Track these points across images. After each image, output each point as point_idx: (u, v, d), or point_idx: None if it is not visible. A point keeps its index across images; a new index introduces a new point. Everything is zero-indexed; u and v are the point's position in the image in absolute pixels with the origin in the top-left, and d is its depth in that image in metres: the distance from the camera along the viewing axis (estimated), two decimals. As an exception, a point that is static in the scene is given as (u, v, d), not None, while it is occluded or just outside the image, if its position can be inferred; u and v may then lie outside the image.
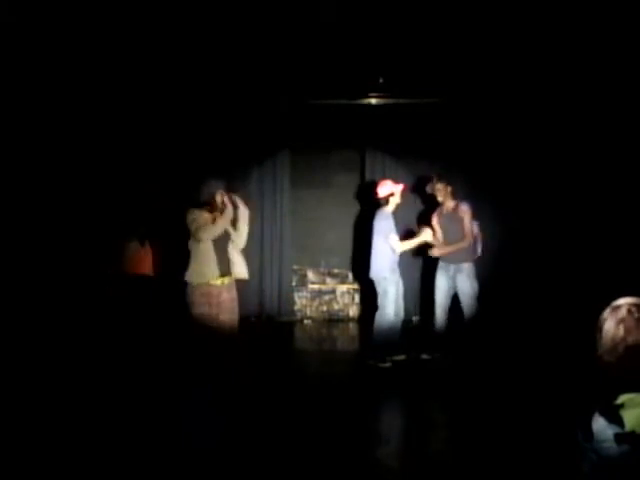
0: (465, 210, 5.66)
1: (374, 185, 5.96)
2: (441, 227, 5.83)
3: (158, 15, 4.89)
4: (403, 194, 5.81)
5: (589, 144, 6.68)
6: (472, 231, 5.68)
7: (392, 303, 5.63)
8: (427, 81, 6.60)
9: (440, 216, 5.85)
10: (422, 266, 7.34)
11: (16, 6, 4.49)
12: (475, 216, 5.77)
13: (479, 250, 5.83)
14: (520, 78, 6.37)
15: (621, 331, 1.71)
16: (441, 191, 5.74)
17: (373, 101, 7.25)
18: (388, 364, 5.65)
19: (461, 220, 5.67)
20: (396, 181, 5.95)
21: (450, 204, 5.75)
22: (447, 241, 5.77)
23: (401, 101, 7.15)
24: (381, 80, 6.73)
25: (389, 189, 5.69)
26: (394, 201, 5.68)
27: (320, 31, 5.28)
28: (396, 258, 5.67)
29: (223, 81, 6.54)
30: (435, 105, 7.05)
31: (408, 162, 7.73)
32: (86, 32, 5.09)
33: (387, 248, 5.62)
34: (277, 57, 5.92)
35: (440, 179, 5.75)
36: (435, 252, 5.77)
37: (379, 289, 5.68)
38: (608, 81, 6.01)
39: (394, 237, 5.61)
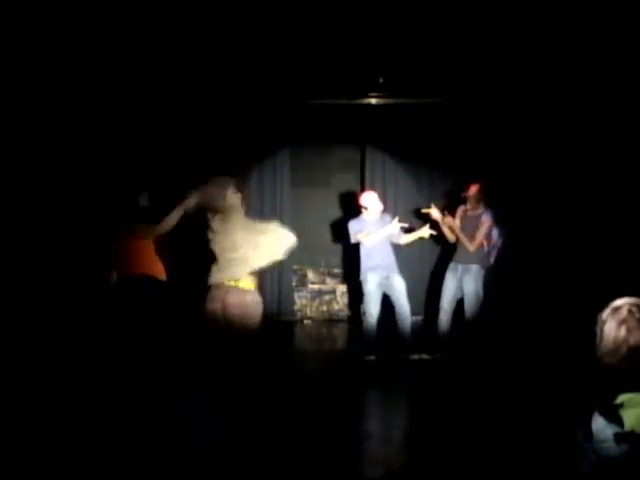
0: (484, 220, 5.72)
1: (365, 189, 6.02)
2: (462, 224, 5.87)
3: (158, 14, 4.90)
4: (378, 212, 5.85)
5: (589, 145, 6.68)
6: (485, 240, 5.75)
7: (370, 303, 5.68)
8: (427, 81, 6.60)
9: (465, 213, 5.89)
10: (433, 266, 7.37)
11: (16, 6, 4.49)
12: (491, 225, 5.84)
13: (492, 258, 5.90)
14: (521, 78, 6.37)
15: (623, 332, 1.70)
16: (474, 193, 5.82)
17: (373, 101, 7.25)
18: (372, 357, 5.73)
19: (479, 228, 5.72)
20: (384, 195, 5.99)
21: (478, 209, 5.80)
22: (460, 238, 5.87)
23: (401, 101, 7.15)
24: (381, 80, 6.73)
25: (366, 202, 5.76)
26: (365, 214, 5.75)
27: (320, 31, 5.29)
28: (368, 259, 5.70)
29: (223, 81, 6.54)
30: (435, 105, 7.05)
31: (408, 162, 7.73)
32: (86, 32, 5.09)
33: (360, 250, 5.72)
34: (277, 57, 5.92)
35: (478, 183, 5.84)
36: (434, 213, 5.86)
37: None
38: (609, 82, 6.01)
39: (361, 235, 5.65)
